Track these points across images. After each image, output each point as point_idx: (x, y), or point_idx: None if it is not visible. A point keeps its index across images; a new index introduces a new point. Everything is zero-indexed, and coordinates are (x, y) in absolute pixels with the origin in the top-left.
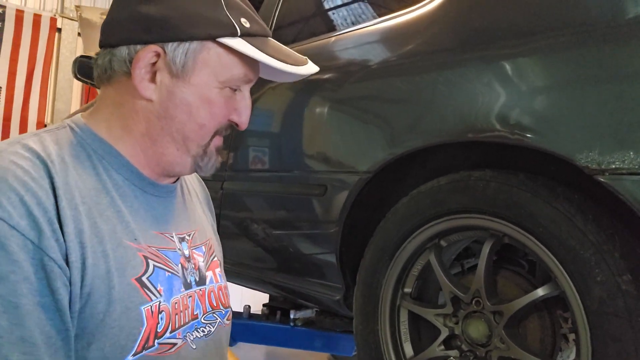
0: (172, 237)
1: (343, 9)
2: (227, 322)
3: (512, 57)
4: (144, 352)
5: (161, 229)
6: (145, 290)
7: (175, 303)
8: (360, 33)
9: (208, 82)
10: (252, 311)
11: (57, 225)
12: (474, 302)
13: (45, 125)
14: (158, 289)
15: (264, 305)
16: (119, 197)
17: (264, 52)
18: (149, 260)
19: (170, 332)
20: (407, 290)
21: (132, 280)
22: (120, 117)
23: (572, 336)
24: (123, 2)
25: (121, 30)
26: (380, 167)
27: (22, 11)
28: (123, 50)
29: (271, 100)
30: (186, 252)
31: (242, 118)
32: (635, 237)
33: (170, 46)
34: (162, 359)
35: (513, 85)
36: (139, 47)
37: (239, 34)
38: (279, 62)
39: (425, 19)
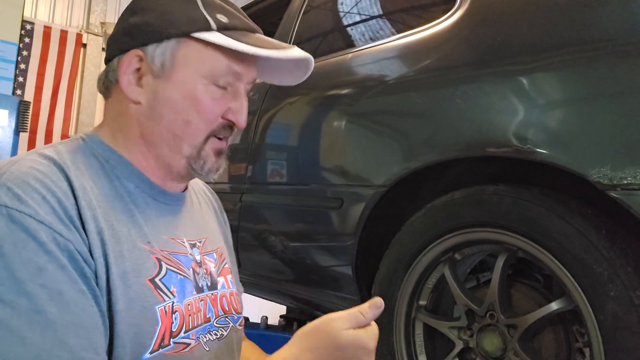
0: (184, 242)
1: (361, 25)
2: (240, 327)
3: (526, 73)
4: (160, 350)
5: (172, 234)
6: (159, 291)
7: (188, 305)
8: (378, 49)
9: (190, 79)
10: (269, 322)
11: (78, 223)
12: (488, 315)
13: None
14: (171, 290)
15: (281, 316)
16: (132, 203)
17: (240, 42)
18: (162, 263)
19: (185, 332)
20: (422, 302)
21: (147, 281)
22: (120, 124)
23: (587, 351)
24: (119, 20)
25: (114, 44)
26: (395, 180)
27: (50, 27)
28: (114, 61)
29: (289, 114)
30: (197, 258)
31: (238, 117)
32: None
33: (149, 48)
34: (178, 358)
35: (527, 100)
36: (123, 54)
37: (214, 28)
38: (254, 47)
39: (442, 35)
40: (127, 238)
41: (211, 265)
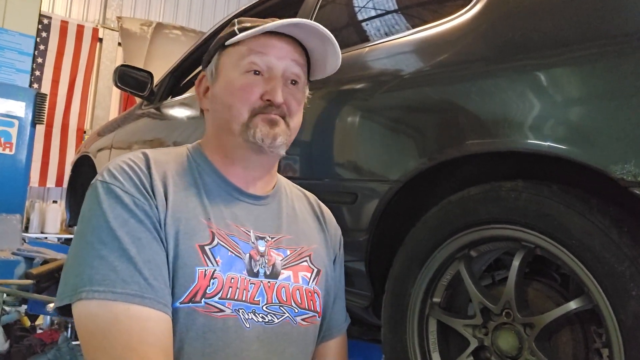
0: (249, 232)
1: (376, 19)
2: (303, 322)
3: (546, 68)
4: (190, 304)
5: (238, 223)
6: (205, 256)
7: (232, 278)
8: (393, 44)
9: (228, 75)
10: None
11: (151, 193)
12: (504, 313)
13: (85, 132)
14: (217, 259)
15: None
16: (204, 190)
17: (249, 30)
18: (216, 237)
19: (220, 299)
20: (436, 300)
21: (196, 245)
22: (206, 134)
23: (605, 351)
24: None
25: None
26: (411, 176)
27: (67, 22)
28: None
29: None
30: (261, 248)
31: (273, 95)
32: None
33: (208, 67)
34: (208, 318)
35: (547, 96)
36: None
37: (236, 32)
38: (256, 28)
39: (459, 30)
40: (191, 211)
41: (277, 258)
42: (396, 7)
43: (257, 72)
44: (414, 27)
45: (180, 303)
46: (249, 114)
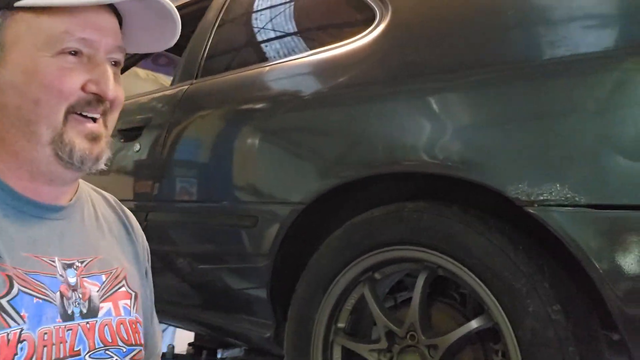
0: (54, 262)
1: (277, 40)
2: None
3: (444, 92)
4: None
5: (37, 252)
6: (4, 314)
7: (45, 334)
8: (293, 64)
9: (28, 53)
10: (176, 351)
11: None
12: (408, 336)
13: None
14: (22, 314)
15: (189, 344)
16: None
17: None
18: (14, 282)
19: None
20: (341, 325)
21: None
22: None
23: None
24: None
25: None
26: (313, 198)
27: None
28: None
29: (201, 128)
30: (72, 280)
31: (101, 86)
32: (562, 267)
33: None
34: None
35: (445, 118)
36: None
37: None
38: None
39: (359, 52)
40: None
41: (93, 289)
42: (297, 28)
43: (73, 53)
44: (315, 47)
45: None
46: (63, 113)
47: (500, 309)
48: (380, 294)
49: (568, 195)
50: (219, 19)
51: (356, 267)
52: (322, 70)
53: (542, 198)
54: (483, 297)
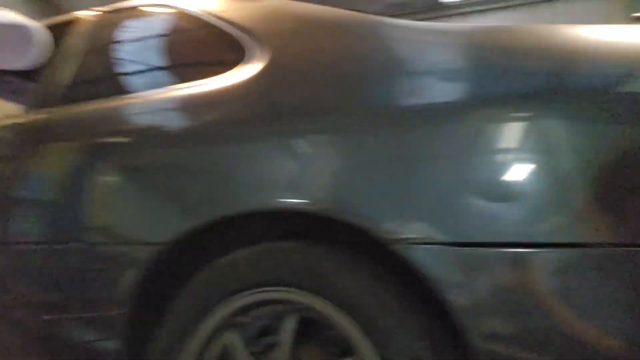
0: None
1: (143, 72)
2: None
3: (312, 133)
4: None
5: None
6: None
7: None
8: (159, 98)
9: None
10: None
11: None
12: None
13: None
14: None
15: None
16: None
17: None
18: None
19: None
20: None
21: None
22: None
23: None
24: None
25: None
26: (174, 238)
27: None
28: None
29: (48, 162)
30: None
31: None
32: (428, 304)
33: None
34: None
35: (313, 159)
36: None
37: None
38: None
39: (227, 89)
40: None
41: None
42: (167, 60)
43: None
44: (184, 81)
45: None
46: None
47: (371, 347)
48: (247, 339)
49: (427, 234)
50: (84, 45)
51: (220, 311)
52: (189, 106)
53: (403, 237)
54: (353, 336)
